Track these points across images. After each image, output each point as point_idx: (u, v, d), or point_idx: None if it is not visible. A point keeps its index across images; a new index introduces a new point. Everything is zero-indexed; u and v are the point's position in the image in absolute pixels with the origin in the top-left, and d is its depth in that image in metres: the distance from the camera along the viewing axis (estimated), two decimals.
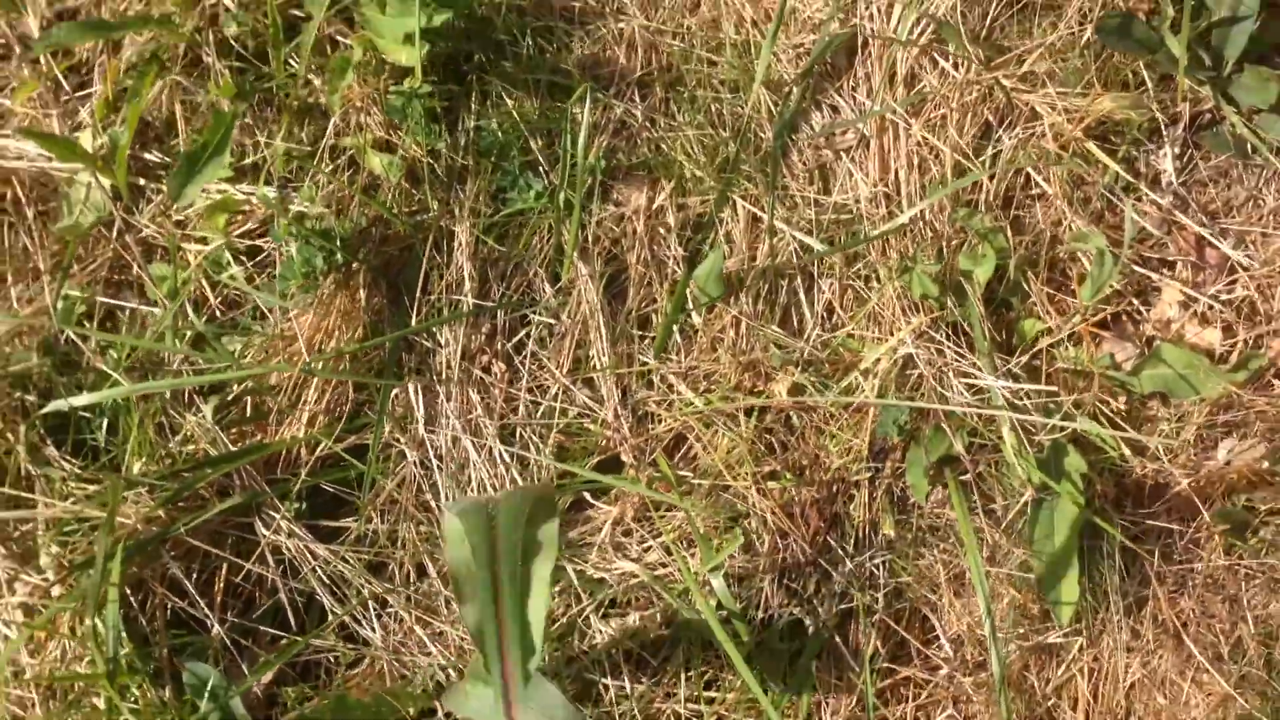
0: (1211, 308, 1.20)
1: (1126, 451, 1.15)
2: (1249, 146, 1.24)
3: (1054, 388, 1.15)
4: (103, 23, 1.15)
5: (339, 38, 1.21)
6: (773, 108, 1.25)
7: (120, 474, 1.05)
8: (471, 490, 1.13)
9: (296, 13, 1.20)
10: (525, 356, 1.18)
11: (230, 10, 1.18)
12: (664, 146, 1.24)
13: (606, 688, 1.10)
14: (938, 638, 1.14)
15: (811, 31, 1.27)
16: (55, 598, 1.03)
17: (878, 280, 1.21)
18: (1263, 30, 1.24)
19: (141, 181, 1.19)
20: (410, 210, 1.17)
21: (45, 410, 1.07)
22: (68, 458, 1.09)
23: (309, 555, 1.10)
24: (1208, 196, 1.26)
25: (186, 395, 1.12)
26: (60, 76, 1.22)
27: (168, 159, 1.20)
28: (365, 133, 1.18)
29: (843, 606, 1.12)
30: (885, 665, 1.13)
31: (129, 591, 1.05)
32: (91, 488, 1.07)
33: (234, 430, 1.12)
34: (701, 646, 1.12)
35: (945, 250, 1.21)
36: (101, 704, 1.01)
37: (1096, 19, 1.23)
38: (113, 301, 1.16)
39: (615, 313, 1.20)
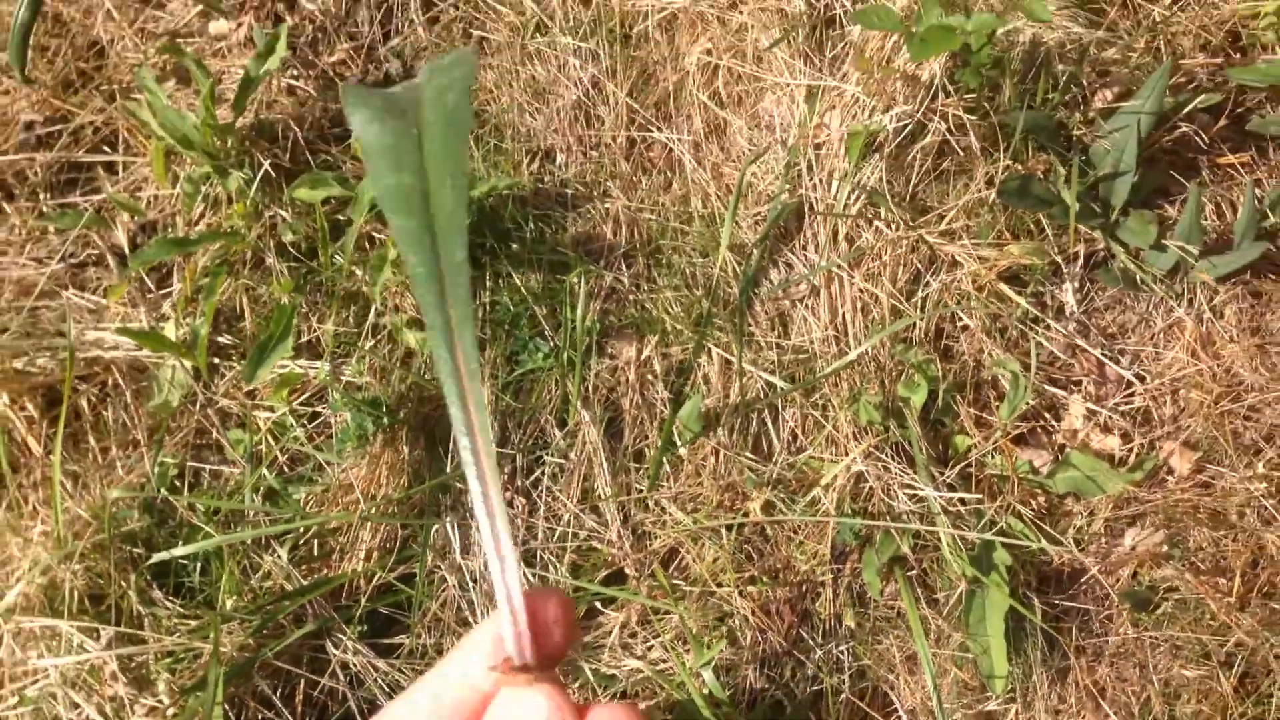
0: (1111, 418, 1.52)
1: (1046, 544, 1.45)
2: (1137, 279, 1.56)
3: (981, 496, 1.45)
4: (183, 240, 1.48)
5: (376, 234, 1.55)
6: (737, 268, 1.58)
7: (218, 611, 1.36)
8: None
9: (341, 217, 1.54)
10: (541, 491, 1.49)
11: (287, 220, 1.52)
12: (648, 306, 1.57)
13: None
14: (896, 711, 1.43)
15: (766, 202, 1.60)
16: (170, 718, 1.33)
17: (832, 409, 1.52)
18: (1141, 181, 1.57)
19: (217, 361, 1.52)
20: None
21: (151, 561, 1.38)
22: (170, 599, 1.40)
23: (371, 669, 1.40)
24: (1105, 321, 1.57)
25: (265, 540, 1.43)
26: (145, 277, 1.56)
27: (239, 341, 1.53)
28: (401, 313, 1.51)
29: (814, 688, 1.42)
30: None
31: (228, 708, 1.35)
32: (192, 623, 1.37)
33: (304, 567, 1.43)
34: None
35: (886, 381, 1.53)
36: None
37: (1000, 182, 1.56)
38: (198, 464, 1.48)
39: (614, 450, 1.51)
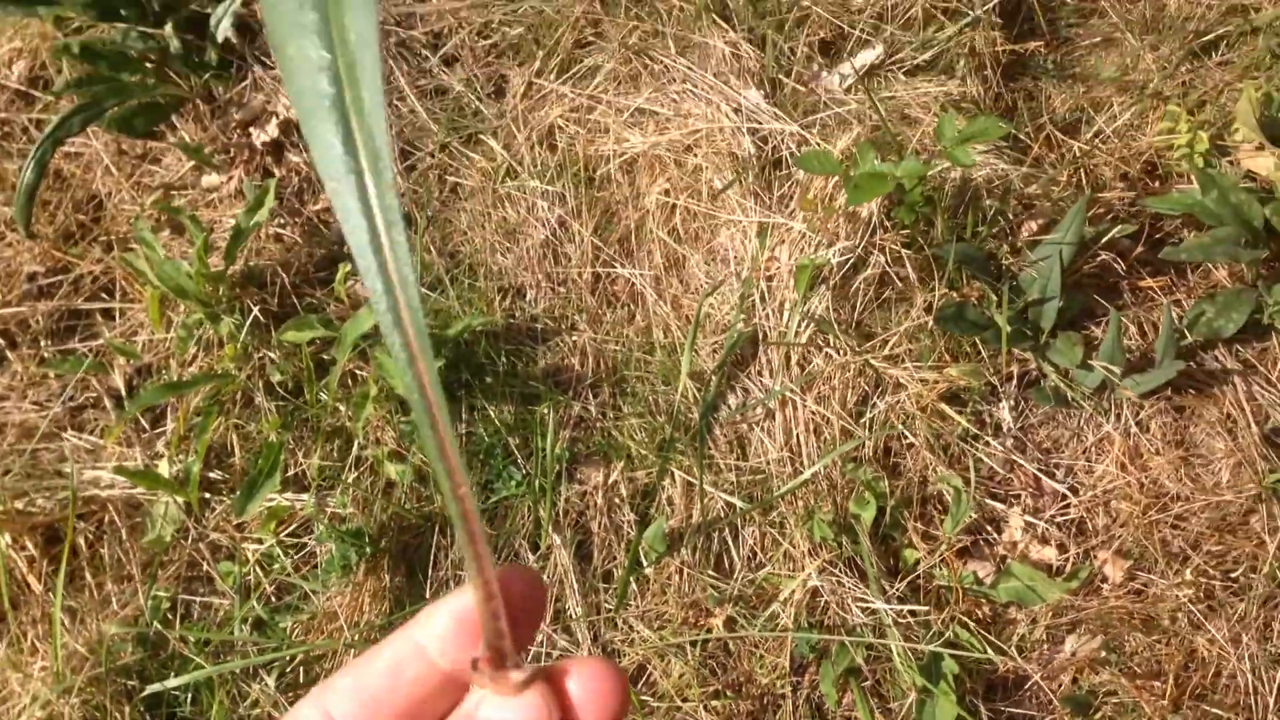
0: (1048, 530, 1.67)
1: (991, 653, 1.59)
2: (1067, 397, 1.73)
3: (929, 607, 1.60)
4: (178, 383, 1.64)
5: (358, 372, 1.71)
6: (697, 394, 1.75)
7: None
8: None
9: (325, 356, 1.71)
10: None
11: (275, 361, 1.68)
12: (614, 433, 1.73)
13: None
14: None
15: (723, 331, 1.78)
16: None
17: (789, 526, 1.67)
18: (1067, 305, 1.75)
19: (208, 495, 1.67)
20: (420, 505, 1.64)
21: (145, 693, 1.51)
22: None
23: None
24: (1040, 437, 1.74)
25: (253, 669, 1.56)
26: (140, 418, 1.71)
27: (228, 476, 1.68)
28: (382, 446, 1.66)
29: None
30: None
31: None
32: None
33: (291, 694, 1.56)
34: None
35: (839, 498, 1.68)
36: None
37: (937, 309, 1.74)
38: (190, 596, 1.62)
39: (584, 571, 1.65)
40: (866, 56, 1.96)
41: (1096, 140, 1.96)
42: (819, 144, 1.83)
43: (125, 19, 1.93)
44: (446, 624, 0.38)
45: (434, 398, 0.35)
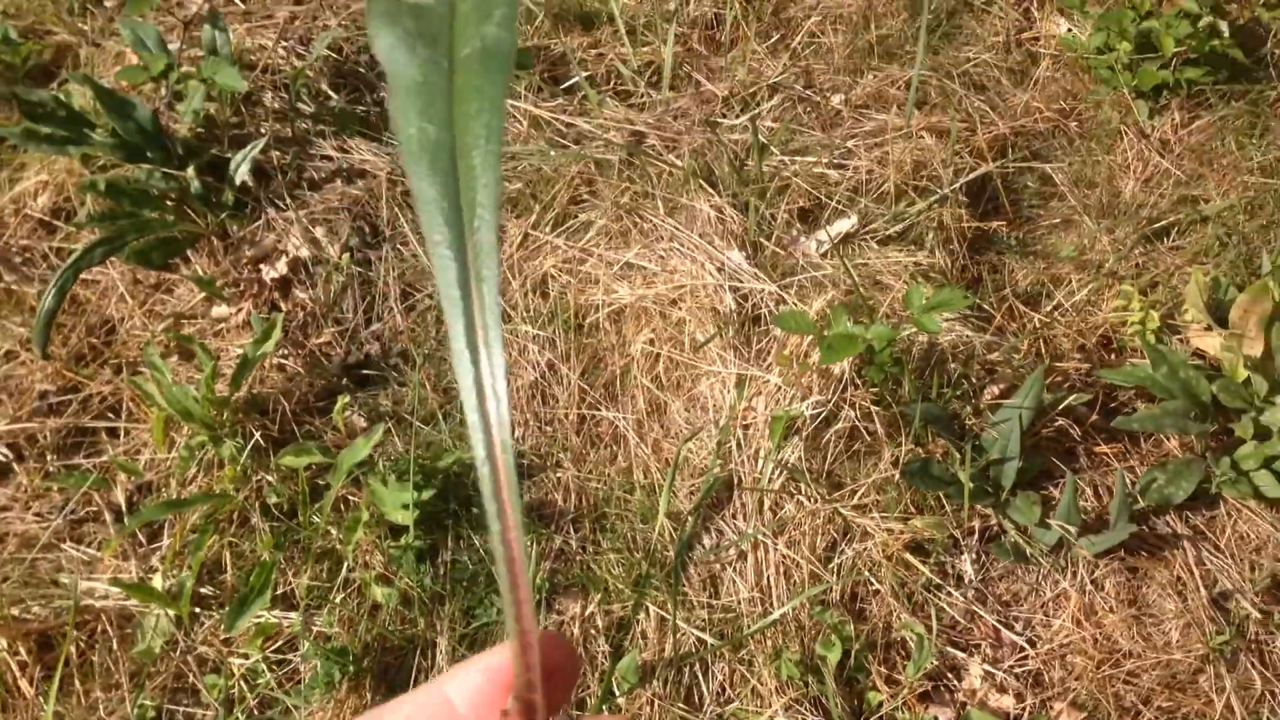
0: (1006, 679, 1.80)
1: None
2: (1026, 553, 1.88)
3: None
4: (177, 501, 1.78)
5: (351, 497, 1.85)
6: (673, 533, 1.89)
7: None
8: None
9: (321, 481, 1.85)
10: None
11: (272, 484, 1.83)
12: (593, 566, 1.87)
13: None
14: None
15: (700, 475, 1.94)
16: None
17: (757, 664, 1.80)
18: (1026, 465, 1.92)
19: (198, 610, 1.78)
20: (404, 627, 1.76)
21: None
22: None
23: None
24: (1000, 590, 1.89)
25: None
26: (138, 532, 1.84)
27: (219, 592, 1.80)
28: (370, 570, 1.79)
29: None
30: None
31: None
32: None
33: None
34: None
35: (806, 640, 1.81)
36: None
37: (903, 463, 1.91)
38: (175, 707, 1.72)
39: None
40: (842, 225, 2.18)
41: (1056, 313, 2.18)
42: (796, 304, 2.03)
43: (150, 160, 2.14)
44: (478, 680, 0.38)
45: (497, 436, 0.36)
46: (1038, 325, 2.13)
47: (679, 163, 2.25)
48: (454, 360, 0.36)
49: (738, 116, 2.39)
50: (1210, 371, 1.99)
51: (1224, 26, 2.28)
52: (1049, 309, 2.17)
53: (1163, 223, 2.28)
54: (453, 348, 0.36)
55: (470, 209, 0.35)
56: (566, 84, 2.50)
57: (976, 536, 1.90)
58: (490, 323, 0.36)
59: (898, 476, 1.90)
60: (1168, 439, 2.02)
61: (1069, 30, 2.56)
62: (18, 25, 2.45)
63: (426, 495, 1.76)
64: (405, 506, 1.75)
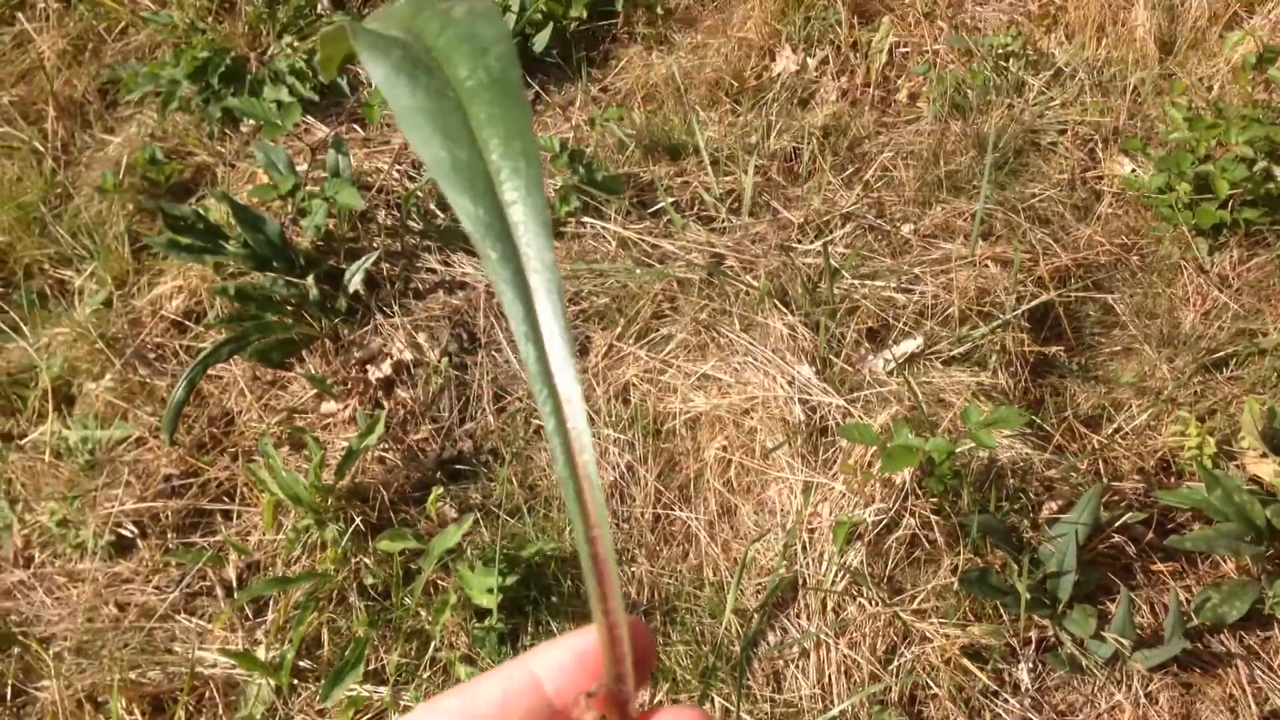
0: None
1: None
2: (1082, 664, 1.95)
3: None
4: (283, 579, 1.94)
5: (440, 582, 2.00)
6: (739, 629, 2.00)
7: None
8: None
9: (413, 565, 2.00)
10: None
11: (369, 566, 1.99)
12: (661, 657, 1.98)
13: None
14: None
15: (766, 575, 2.05)
16: None
17: None
18: (1083, 579, 2.00)
19: (296, 681, 1.93)
20: None
21: None
22: None
23: None
24: (1056, 700, 1.95)
25: None
26: (245, 606, 2.00)
27: (315, 665, 1.94)
28: (455, 650, 1.93)
29: None
30: None
31: None
32: None
33: None
34: None
35: None
36: None
37: (962, 572, 2.00)
38: None
39: None
40: (907, 346, 2.32)
41: (1115, 436, 2.27)
42: (861, 417, 2.16)
43: (275, 269, 2.36)
44: (566, 659, 0.39)
45: (575, 427, 0.37)
46: (1097, 446, 2.22)
47: (755, 283, 2.41)
48: (527, 373, 0.38)
49: (812, 242, 2.55)
50: (1265, 497, 2.06)
51: (1277, 171, 2.40)
52: (1109, 431, 2.26)
53: (1221, 353, 2.37)
54: (527, 366, 0.37)
55: (522, 226, 0.36)
56: (654, 208, 2.70)
57: (1033, 646, 1.98)
58: (556, 333, 0.36)
59: (956, 584, 1.99)
60: (1224, 560, 2.08)
61: (1132, 170, 2.70)
62: (164, 147, 2.73)
63: (510, 581, 1.90)
64: (490, 591, 1.89)
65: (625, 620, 0.38)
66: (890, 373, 2.29)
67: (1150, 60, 2.89)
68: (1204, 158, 2.49)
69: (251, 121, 2.77)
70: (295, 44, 2.98)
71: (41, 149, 2.76)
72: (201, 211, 2.37)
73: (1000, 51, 2.95)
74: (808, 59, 3.04)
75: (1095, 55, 2.94)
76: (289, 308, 2.36)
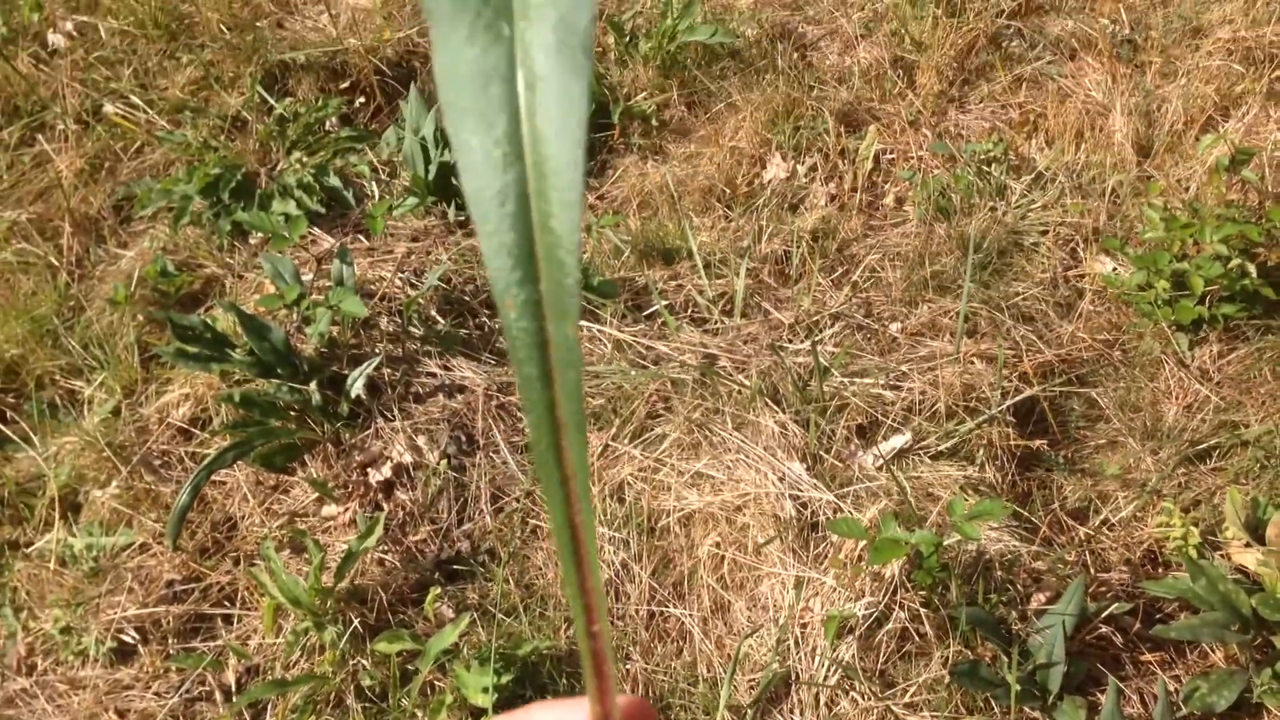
0: None
1: None
2: None
3: None
4: (281, 681, 1.97)
5: (437, 682, 2.03)
6: None
7: None
8: None
9: (410, 666, 2.04)
10: None
11: (367, 668, 2.02)
12: None
13: None
14: None
15: (760, 670, 2.08)
16: None
17: None
18: (1072, 670, 2.02)
19: None
20: None
21: None
22: None
23: None
24: None
25: None
26: (244, 710, 2.03)
27: None
28: None
29: None
30: None
31: None
32: None
33: None
34: None
35: None
36: None
37: (952, 664, 2.03)
38: None
39: None
40: (896, 441, 2.37)
41: (1102, 528, 2.31)
42: (851, 512, 2.21)
43: (280, 376, 2.44)
44: None
45: (580, 518, 0.35)
46: (1084, 538, 2.26)
47: (747, 382, 2.48)
48: (520, 387, 0.34)
49: (802, 341, 2.63)
50: (1250, 586, 2.09)
51: (1252, 268, 2.48)
52: (1096, 523, 2.30)
53: (1204, 445, 2.42)
54: (519, 370, 0.34)
55: (551, 263, 0.33)
56: (648, 311, 2.78)
57: None
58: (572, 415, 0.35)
59: (948, 677, 2.02)
60: (1211, 649, 2.10)
61: (1113, 269, 2.78)
62: (175, 260, 2.84)
63: (506, 680, 1.93)
64: (486, 690, 1.92)
65: (615, 697, 0.38)
66: (879, 468, 2.34)
67: (1128, 163, 2.99)
68: (1181, 256, 2.57)
69: (260, 234, 2.88)
70: (304, 159, 3.10)
71: (56, 264, 2.87)
72: (209, 321, 2.46)
73: (983, 157, 3.06)
74: (797, 166, 3.15)
75: (1075, 159, 3.05)
76: (292, 413, 2.43)
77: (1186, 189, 2.91)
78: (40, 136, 3.17)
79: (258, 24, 3.55)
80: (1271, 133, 3.00)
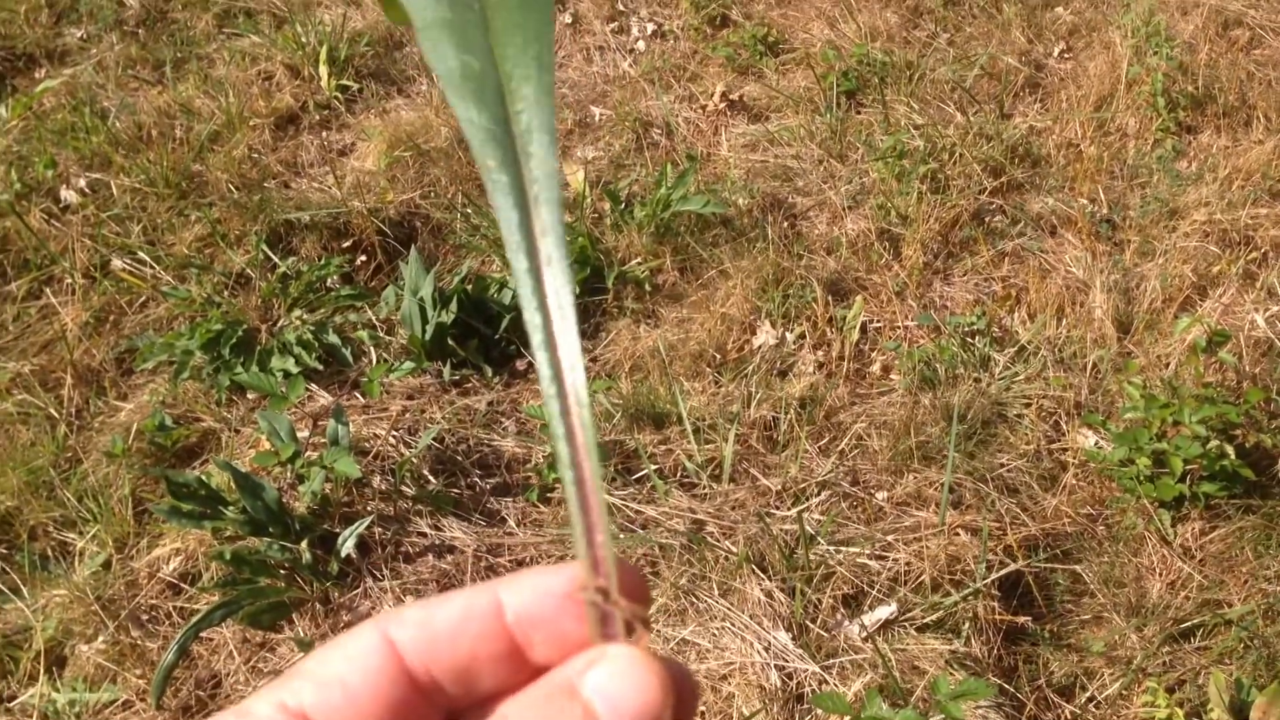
0: None
1: None
2: None
3: None
4: None
5: None
6: None
7: None
8: None
9: None
10: None
11: None
12: None
13: None
14: None
15: None
16: None
17: None
18: None
19: None
20: None
21: None
22: None
23: None
24: None
25: None
26: None
27: None
28: None
29: None
30: None
31: None
32: None
33: None
34: None
35: None
36: None
37: None
38: None
39: None
40: (882, 613, 2.43)
41: (1089, 705, 2.35)
42: (836, 685, 2.25)
43: (271, 534, 2.50)
44: (532, 594, 0.39)
45: (567, 374, 0.37)
46: (1070, 717, 2.30)
47: (734, 549, 2.55)
48: (516, 284, 0.37)
49: (789, 509, 2.70)
50: None
51: (1230, 450, 2.58)
52: (1082, 700, 2.34)
53: (1188, 623, 2.47)
54: (514, 269, 0.37)
55: (527, 134, 0.36)
56: (638, 475, 2.86)
57: None
58: (553, 244, 0.36)
59: None
60: None
61: (1095, 443, 2.88)
62: (173, 413, 2.92)
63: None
64: None
65: (613, 552, 0.38)
66: (865, 639, 2.38)
67: (1108, 339, 3.12)
68: (1161, 435, 2.67)
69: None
70: (304, 316, 3.23)
71: (56, 415, 2.96)
72: (204, 478, 2.53)
73: (967, 329, 3.19)
74: (786, 334, 3.28)
75: (1056, 334, 3.18)
76: (282, 571, 2.49)
77: (1166, 365, 3.03)
78: (48, 289, 3.30)
79: (265, 184, 3.73)
80: (1248, 313, 3.14)
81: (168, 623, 2.50)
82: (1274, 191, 3.53)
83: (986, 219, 3.60)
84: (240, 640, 2.45)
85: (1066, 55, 4.29)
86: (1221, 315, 3.14)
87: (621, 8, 4.70)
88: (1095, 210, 3.56)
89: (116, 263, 3.34)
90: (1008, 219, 3.59)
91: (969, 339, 3.18)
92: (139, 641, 2.44)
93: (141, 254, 3.38)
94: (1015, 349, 3.16)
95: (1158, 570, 2.60)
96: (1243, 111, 3.88)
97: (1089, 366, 3.06)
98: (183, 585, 2.58)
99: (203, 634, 2.45)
